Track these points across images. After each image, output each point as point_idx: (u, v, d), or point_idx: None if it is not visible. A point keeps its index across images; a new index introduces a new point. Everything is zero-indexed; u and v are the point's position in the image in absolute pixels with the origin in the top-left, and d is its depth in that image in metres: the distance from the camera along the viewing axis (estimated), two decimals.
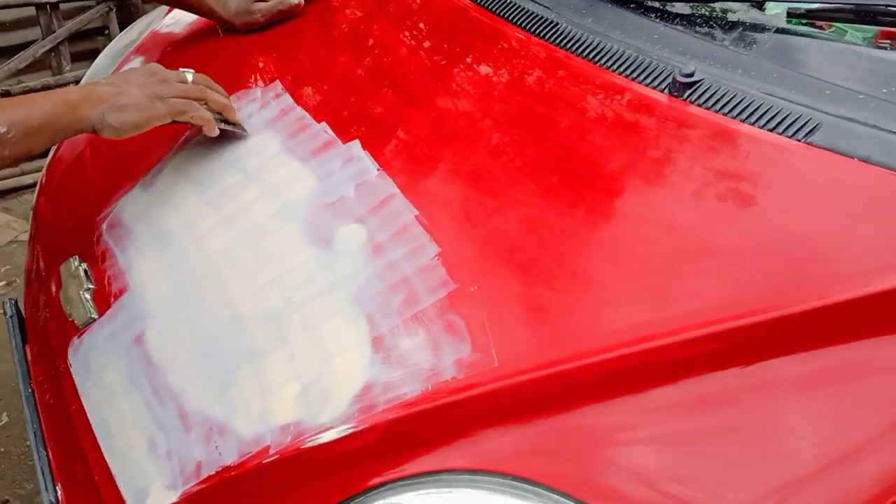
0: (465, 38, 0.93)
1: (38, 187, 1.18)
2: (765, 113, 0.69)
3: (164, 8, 1.35)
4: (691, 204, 0.65)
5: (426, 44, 0.94)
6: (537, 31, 0.88)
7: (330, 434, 0.60)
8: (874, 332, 0.54)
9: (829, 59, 0.76)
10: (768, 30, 0.81)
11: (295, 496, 0.61)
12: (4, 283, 2.12)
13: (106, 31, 2.95)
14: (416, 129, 0.82)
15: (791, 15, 0.81)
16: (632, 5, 0.89)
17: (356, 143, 0.80)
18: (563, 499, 0.53)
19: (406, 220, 0.71)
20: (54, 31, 2.57)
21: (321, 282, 0.70)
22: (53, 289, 0.93)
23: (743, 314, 0.56)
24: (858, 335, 0.54)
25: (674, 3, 0.86)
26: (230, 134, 0.89)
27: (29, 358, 1.02)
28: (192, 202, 0.84)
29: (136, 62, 1.18)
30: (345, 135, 0.83)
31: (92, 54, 3.03)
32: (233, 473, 0.63)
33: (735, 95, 0.72)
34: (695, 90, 0.73)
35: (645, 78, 0.77)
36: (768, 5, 0.83)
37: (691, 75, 0.74)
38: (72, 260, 0.90)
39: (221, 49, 1.07)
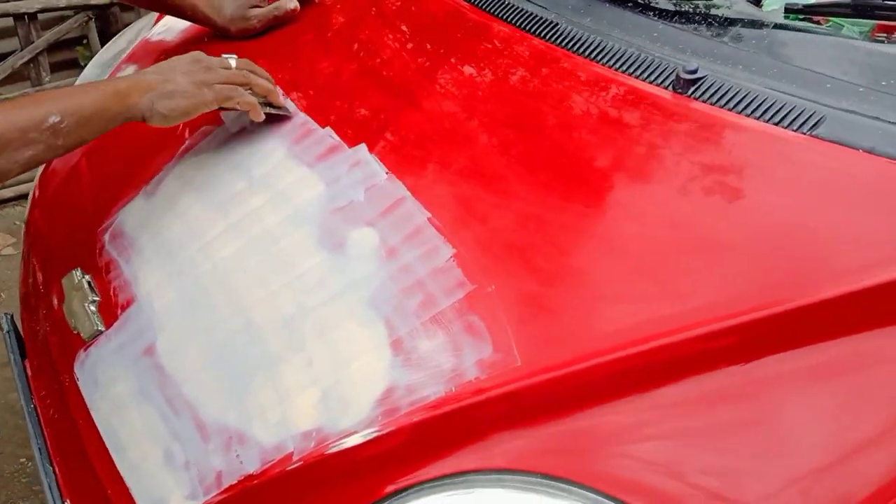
0: (463, 41, 0.93)
1: (30, 200, 1.16)
2: (769, 107, 0.70)
3: (153, 15, 1.34)
4: (702, 199, 0.65)
5: (426, 46, 0.94)
6: (536, 32, 0.89)
7: (354, 439, 0.60)
8: (888, 322, 0.55)
9: (827, 53, 0.77)
10: (766, 26, 0.82)
11: (320, 502, 0.61)
12: None
13: (85, 41, 2.92)
14: (421, 132, 0.82)
15: (788, 10, 0.82)
16: (629, 4, 0.89)
17: (363, 147, 0.80)
18: (592, 494, 0.54)
19: (418, 223, 0.71)
20: (33, 42, 2.54)
21: (335, 286, 0.69)
22: (55, 302, 0.92)
23: (758, 307, 0.57)
24: (872, 325, 0.55)
25: (672, 1, 0.87)
26: (232, 141, 0.88)
27: (29, 373, 1.01)
28: (197, 210, 0.84)
29: (130, 70, 1.16)
30: (350, 139, 0.83)
31: (71, 64, 3.01)
32: (255, 482, 0.62)
33: (739, 91, 0.72)
34: (699, 86, 0.74)
35: (648, 75, 0.78)
36: (765, 1, 0.85)
37: (695, 72, 0.75)
38: (74, 272, 0.89)
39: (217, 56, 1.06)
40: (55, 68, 2.74)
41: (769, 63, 0.76)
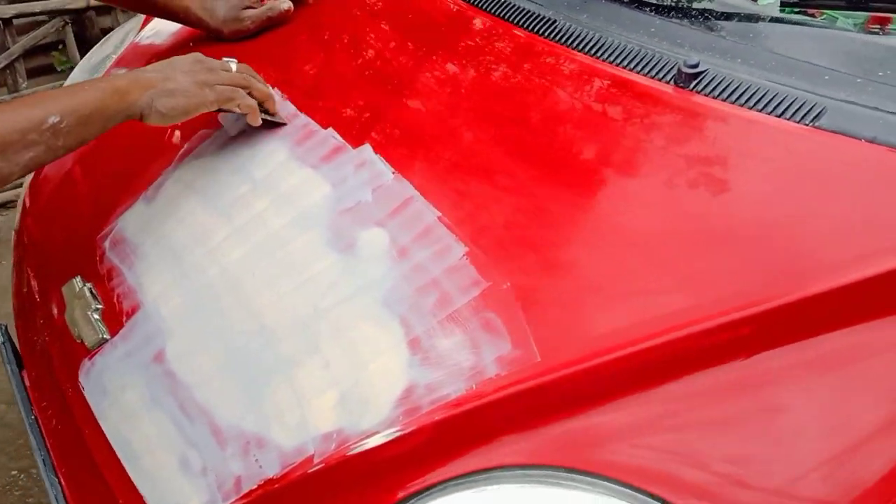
0: (461, 39, 0.93)
1: (21, 209, 1.14)
2: (771, 99, 0.71)
3: (139, 19, 1.32)
4: (712, 191, 0.66)
5: (425, 45, 0.94)
6: (534, 29, 0.89)
7: (376, 439, 0.60)
8: None
9: (824, 45, 0.79)
10: (763, 19, 0.83)
11: None
12: None
13: (60, 46, 2.88)
14: (424, 130, 0.82)
15: (784, 4, 0.83)
16: (625, 0, 0.90)
17: (367, 148, 0.80)
18: (618, 486, 0.54)
19: (429, 222, 0.71)
20: (8, 48, 2.50)
21: (347, 287, 0.69)
22: (55, 311, 0.91)
23: (772, 296, 0.58)
24: (886, 311, 0.56)
25: None
26: (232, 144, 0.88)
27: (28, 384, 1.00)
28: (200, 215, 0.83)
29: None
30: (353, 139, 0.82)
31: (47, 70, 2.96)
32: (276, 486, 0.62)
33: (740, 84, 0.73)
34: (700, 80, 0.75)
35: (650, 70, 0.78)
36: None
37: (696, 66, 0.76)
38: (74, 281, 0.88)
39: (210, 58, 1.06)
40: (31, 74, 2.70)
41: (768, 56, 0.77)
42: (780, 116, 0.70)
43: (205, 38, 1.10)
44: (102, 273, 0.86)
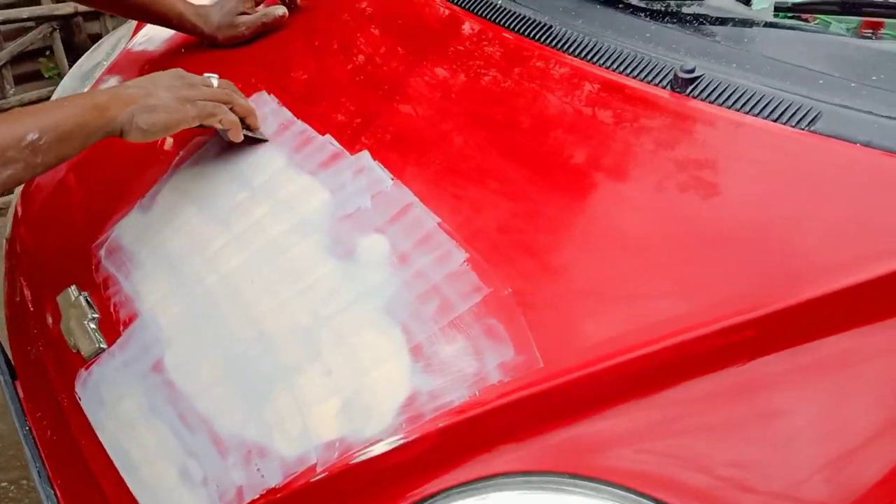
0: (457, 44, 0.93)
1: (13, 218, 1.13)
2: (767, 104, 0.72)
3: (131, 25, 1.31)
4: (711, 196, 0.67)
5: (420, 51, 0.94)
6: (530, 34, 0.89)
7: (379, 447, 0.60)
8: None
9: (818, 50, 0.79)
10: (757, 24, 0.84)
11: None
12: None
13: (47, 53, 2.86)
14: (421, 136, 0.82)
15: (778, 9, 0.84)
16: (620, 5, 0.91)
17: (365, 154, 0.80)
18: (622, 492, 0.54)
19: (429, 228, 0.71)
20: None
21: (348, 294, 0.69)
22: (49, 321, 0.90)
23: (773, 300, 0.58)
24: (886, 314, 0.57)
25: (662, 2, 0.88)
26: (228, 152, 0.87)
27: (21, 394, 0.99)
28: (198, 223, 0.83)
29: (113, 82, 1.14)
30: (351, 145, 0.82)
31: (34, 76, 2.94)
32: (278, 495, 0.62)
33: (736, 89, 0.74)
34: (696, 85, 0.76)
35: (646, 75, 0.79)
36: (755, 1, 0.86)
37: (692, 71, 0.76)
38: (70, 290, 0.87)
39: (206, 64, 1.05)
40: (18, 80, 2.68)
41: (762, 61, 0.77)
42: (776, 121, 0.70)
43: (199, 44, 1.10)
44: (98, 282, 0.85)
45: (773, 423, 0.55)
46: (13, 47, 2.51)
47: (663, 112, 0.75)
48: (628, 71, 0.80)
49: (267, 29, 1.05)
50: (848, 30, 0.83)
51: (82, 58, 1.35)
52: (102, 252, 0.88)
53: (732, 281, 0.60)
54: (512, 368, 0.60)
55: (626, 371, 0.58)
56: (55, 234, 1.01)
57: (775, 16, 0.85)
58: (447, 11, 0.97)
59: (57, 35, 2.65)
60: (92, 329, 0.82)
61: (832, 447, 0.53)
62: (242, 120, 0.85)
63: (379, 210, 0.74)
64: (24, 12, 2.50)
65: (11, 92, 2.56)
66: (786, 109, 0.71)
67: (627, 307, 0.61)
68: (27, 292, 1.02)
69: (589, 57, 0.83)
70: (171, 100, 0.79)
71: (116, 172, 0.97)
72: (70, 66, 2.74)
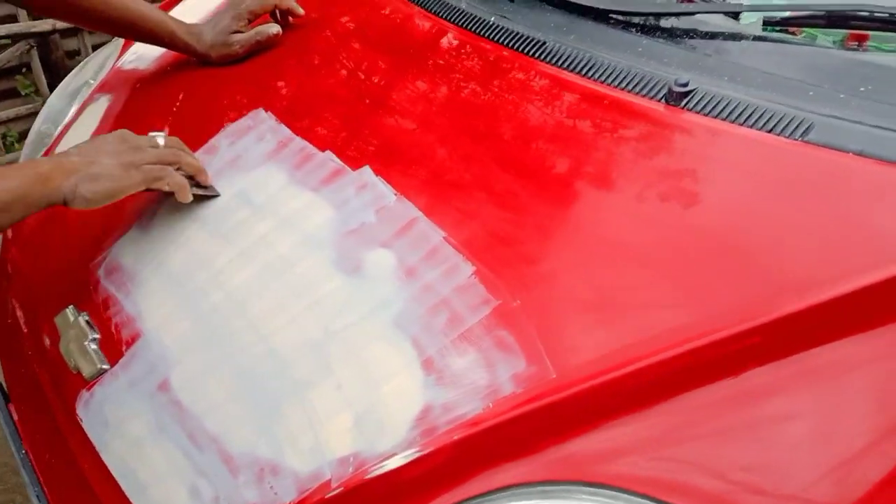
0: (452, 61, 0.94)
1: (2, 239, 1.12)
2: (761, 115, 0.74)
3: (119, 42, 1.31)
4: (711, 206, 0.68)
5: (416, 67, 0.95)
6: (524, 50, 0.91)
7: (394, 461, 0.60)
8: None
9: (807, 62, 0.82)
10: (746, 38, 0.86)
11: None
12: None
13: (24, 70, 2.83)
14: (421, 151, 0.83)
15: (767, 23, 0.86)
16: (611, 21, 0.93)
17: (367, 170, 0.81)
18: (638, 499, 0.55)
19: (435, 242, 0.71)
20: None
21: (357, 309, 0.70)
22: (46, 342, 0.89)
23: (778, 306, 0.59)
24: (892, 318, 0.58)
25: (657, 18, 0.90)
26: (228, 170, 0.88)
27: (16, 417, 0.97)
28: (200, 241, 0.82)
29: (103, 101, 1.14)
30: (351, 161, 0.83)
31: (10, 94, 2.91)
32: None
33: (730, 101, 0.76)
34: (691, 98, 0.77)
35: (640, 89, 0.80)
36: (743, 15, 0.89)
37: (686, 84, 0.78)
38: (67, 311, 0.86)
39: (200, 83, 1.05)
40: None
41: (753, 73, 0.79)
42: (770, 132, 0.72)
43: (191, 62, 1.10)
44: (98, 302, 0.85)
45: (782, 426, 0.56)
46: None
47: (659, 125, 0.77)
48: (622, 85, 0.82)
49: (261, 47, 1.05)
50: (834, 42, 0.86)
51: (69, 76, 1.34)
52: (101, 272, 0.87)
53: (736, 289, 0.61)
54: (524, 380, 0.61)
55: (637, 380, 0.59)
56: (49, 254, 1.00)
57: (764, 30, 0.87)
58: (442, 29, 0.98)
59: (34, 52, 2.63)
60: (93, 350, 0.81)
61: (841, 448, 0.54)
62: (192, 177, 0.84)
63: (384, 225, 0.75)
64: (1, 30, 2.47)
65: None
66: (779, 120, 0.73)
67: (636, 317, 0.62)
68: (20, 314, 1.01)
69: (583, 72, 0.85)
70: (115, 166, 0.78)
71: None
72: (48, 84, 2.72)
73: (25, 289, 1.00)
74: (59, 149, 1.12)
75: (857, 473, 0.54)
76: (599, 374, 0.59)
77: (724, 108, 0.75)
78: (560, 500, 0.57)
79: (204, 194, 0.85)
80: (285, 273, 0.74)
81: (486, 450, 0.60)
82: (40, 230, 1.03)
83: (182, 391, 0.72)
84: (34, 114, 2.70)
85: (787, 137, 0.71)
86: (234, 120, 0.95)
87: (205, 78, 1.06)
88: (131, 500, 0.72)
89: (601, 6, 0.92)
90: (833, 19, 0.82)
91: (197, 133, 0.96)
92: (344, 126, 0.90)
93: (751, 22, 0.88)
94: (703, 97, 0.77)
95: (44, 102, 2.68)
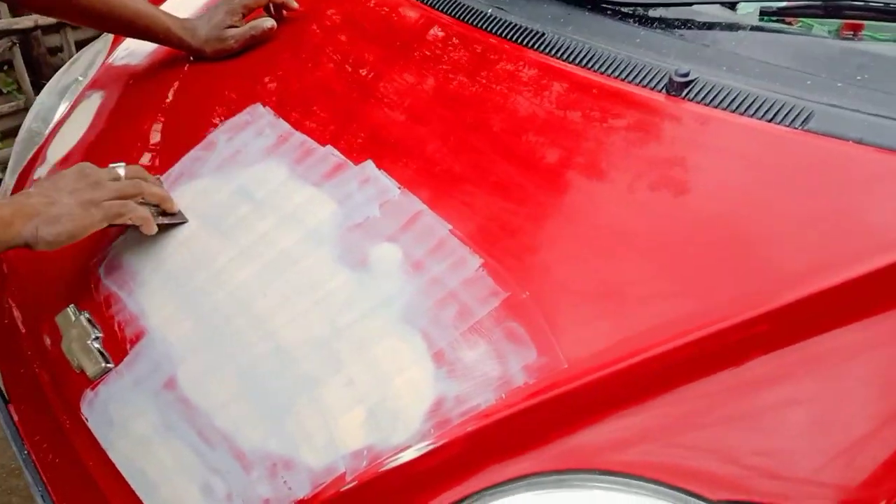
0: (449, 52, 0.94)
1: None
2: (761, 105, 0.74)
3: (108, 38, 1.29)
4: (716, 195, 0.69)
5: (412, 60, 0.94)
6: (523, 41, 0.91)
7: (408, 453, 0.60)
8: None
9: (805, 52, 0.82)
10: (743, 28, 0.87)
11: None
12: None
13: (5, 67, 2.79)
14: (423, 144, 0.83)
15: (763, 13, 0.87)
16: (608, 12, 0.93)
17: (370, 164, 0.81)
18: (651, 485, 0.56)
19: (441, 235, 0.72)
20: None
21: (364, 303, 0.70)
22: (47, 342, 0.88)
23: (785, 293, 0.60)
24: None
25: (654, 8, 0.90)
26: (227, 166, 0.87)
27: (16, 418, 0.96)
28: (201, 238, 0.82)
29: (96, 98, 1.13)
30: (353, 156, 0.83)
31: None
32: None
33: (730, 91, 0.76)
34: (692, 88, 0.78)
35: (640, 80, 0.81)
36: (740, 6, 0.89)
37: (686, 75, 0.79)
38: (68, 310, 0.86)
39: (195, 78, 1.05)
40: None
41: (751, 63, 0.80)
42: (770, 121, 0.73)
43: (184, 57, 1.09)
44: (99, 301, 0.84)
45: (792, 411, 0.57)
46: None
47: (661, 115, 0.77)
48: (623, 76, 0.82)
49: (256, 41, 1.05)
50: (829, 32, 0.87)
51: (58, 73, 1.33)
52: (101, 270, 0.86)
53: (742, 277, 0.62)
54: (536, 370, 0.61)
55: (648, 368, 0.60)
56: (46, 254, 0.98)
57: (760, 20, 0.88)
58: (439, 22, 0.98)
59: (17, 49, 2.58)
60: (96, 348, 0.81)
61: (852, 431, 0.55)
62: (157, 206, 0.83)
63: (388, 219, 0.75)
64: None
65: None
66: (779, 109, 0.73)
67: (644, 306, 0.63)
68: (17, 314, 1.00)
69: (583, 63, 0.85)
70: (75, 206, 0.77)
71: None
72: (30, 81, 2.68)
73: (22, 289, 0.99)
74: (52, 147, 1.11)
75: (866, 455, 0.55)
76: (611, 364, 0.60)
77: (724, 97, 0.76)
78: (575, 489, 0.58)
79: (170, 223, 0.84)
80: (289, 269, 0.74)
81: (500, 440, 0.60)
82: None
83: (189, 389, 0.72)
84: (17, 111, 2.66)
85: (788, 126, 0.72)
86: (231, 115, 0.94)
87: (200, 73, 1.05)
88: (141, 498, 0.71)
89: None
90: (828, 9, 0.83)
91: (194, 128, 0.96)
92: (343, 120, 0.89)
93: (747, 12, 0.89)
94: (703, 87, 0.78)
95: (26, 100, 2.64)
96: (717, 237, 0.65)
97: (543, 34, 0.90)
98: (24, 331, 0.97)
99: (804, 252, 0.62)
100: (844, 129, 0.70)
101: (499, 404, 0.60)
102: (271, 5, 1.07)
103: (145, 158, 0.97)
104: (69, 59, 2.69)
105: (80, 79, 1.26)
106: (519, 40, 0.91)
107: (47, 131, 1.20)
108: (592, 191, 0.73)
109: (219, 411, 0.70)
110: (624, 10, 0.92)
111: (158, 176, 0.91)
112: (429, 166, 0.80)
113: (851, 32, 0.86)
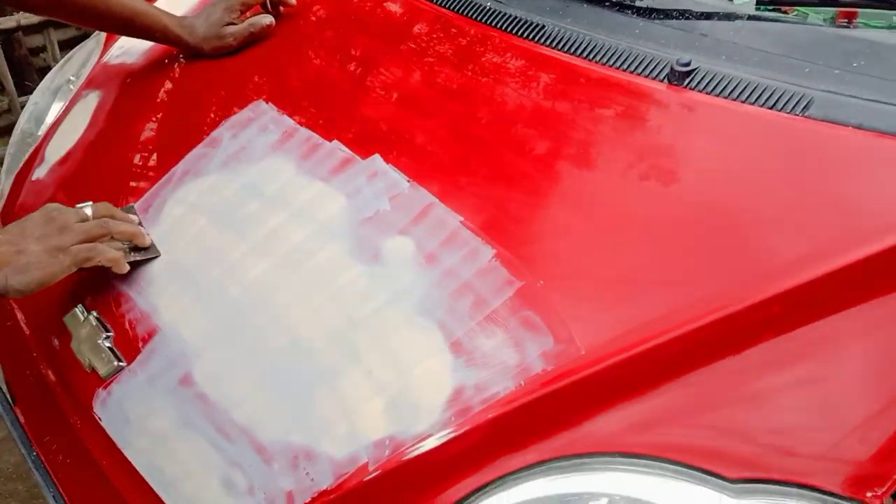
0: (452, 46, 0.95)
1: None
2: (762, 93, 0.76)
3: (101, 37, 1.28)
4: (722, 181, 0.70)
5: (413, 53, 0.95)
6: (523, 34, 0.92)
7: (430, 442, 0.61)
8: None
9: (802, 40, 0.84)
10: (740, 17, 0.88)
11: None
12: None
13: None
14: (428, 137, 0.84)
15: (760, 2, 0.89)
16: (607, 4, 0.94)
17: (377, 158, 0.81)
18: (673, 466, 0.57)
19: (453, 227, 0.72)
20: None
21: (380, 296, 0.70)
22: (55, 342, 0.88)
23: (796, 275, 0.62)
24: None
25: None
26: (233, 162, 0.87)
27: (23, 420, 0.96)
28: (211, 235, 0.82)
29: (92, 98, 1.12)
30: (359, 150, 0.83)
31: None
32: (331, 497, 0.63)
33: (731, 79, 0.78)
34: (693, 77, 0.79)
35: (642, 70, 0.82)
36: None
37: (688, 64, 0.80)
38: (77, 310, 0.85)
39: (194, 76, 1.04)
40: None
41: (750, 52, 0.82)
42: (772, 108, 0.75)
43: (181, 55, 1.08)
44: (109, 300, 0.84)
45: (806, 390, 0.59)
46: None
47: (663, 104, 0.79)
48: (624, 66, 0.83)
49: (254, 38, 1.05)
50: (825, 20, 0.89)
51: (51, 73, 1.32)
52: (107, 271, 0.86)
53: (752, 261, 0.64)
54: (554, 357, 0.62)
55: (663, 352, 0.61)
56: None
57: (757, 9, 0.89)
58: (439, 15, 0.99)
59: None
60: (107, 347, 0.81)
61: (863, 407, 0.57)
62: (129, 242, 0.83)
63: (399, 212, 0.76)
64: None
65: None
66: (780, 97, 0.75)
67: (658, 291, 0.64)
68: (20, 315, 0.99)
69: (584, 54, 0.86)
70: (43, 254, 0.77)
71: (113, 188, 0.95)
72: (14, 82, 2.65)
73: None
74: (49, 149, 1.10)
75: (879, 429, 0.57)
76: (627, 349, 0.61)
77: (725, 86, 0.78)
78: (596, 472, 0.59)
79: (143, 258, 0.83)
80: (303, 264, 0.75)
81: (520, 427, 0.61)
82: None
83: (206, 385, 0.72)
84: (1, 113, 2.63)
85: (790, 113, 0.74)
86: (233, 112, 0.94)
87: (198, 71, 1.05)
88: (160, 495, 0.72)
89: None
90: None
91: (196, 126, 0.96)
92: (346, 114, 0.90)
93: (744, 2, 0.91)
94: (704, 76, 0.79)
95: (10, 101, 2.61)
96: (728, 222, 0.67)
97: (543, 27, 0.91)
98: (28, 332, 0.96)
99: (810, 234, 0.63)
100: (844, 114, 0.72)
101: (518, 391, 0.62)
102: (269, 2, 1.07)
103: (147, 156, 0.97)
104: (52, 59, 2.66)
105: (73, 78, 1.25)
106: (518, 33, 0.92)
107: (41, 132, 1.19)
108: (600, 179, 0.74)
109: (237, 406, 0.70)
110: (621, 1, 0.93)
111: (132, 204, 0.90)
112: (436, 159, 0.81)
113: (846, 20, 0.88)
